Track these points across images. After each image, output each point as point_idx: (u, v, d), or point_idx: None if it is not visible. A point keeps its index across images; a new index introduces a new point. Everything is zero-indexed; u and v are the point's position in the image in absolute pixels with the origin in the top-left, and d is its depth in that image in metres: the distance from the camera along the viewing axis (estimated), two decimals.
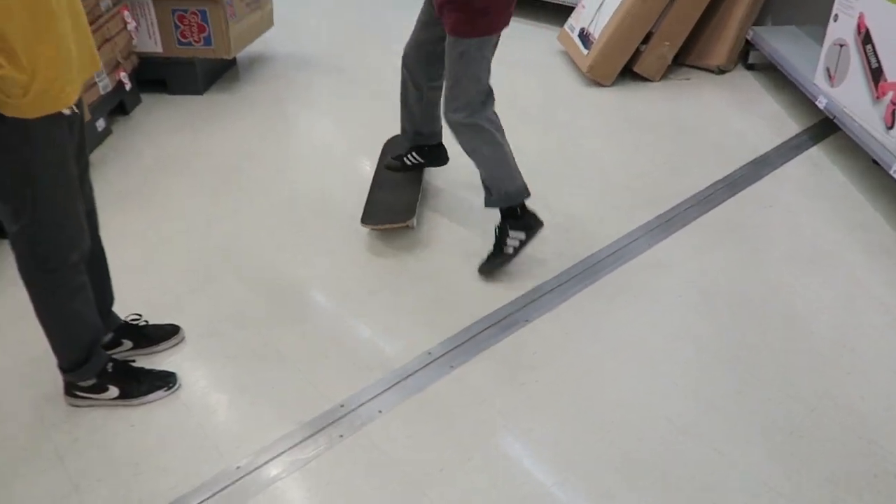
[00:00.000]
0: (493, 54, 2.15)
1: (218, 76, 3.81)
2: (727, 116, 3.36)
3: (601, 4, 3.76)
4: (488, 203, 2.27)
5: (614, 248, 2.38)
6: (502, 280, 2.23)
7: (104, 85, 3.06)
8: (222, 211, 2.62)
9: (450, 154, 2.63)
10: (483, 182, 2.28)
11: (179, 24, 3.43)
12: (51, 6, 1.35)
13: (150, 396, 1.78)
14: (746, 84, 3.71)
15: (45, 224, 1.51)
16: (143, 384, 1.79)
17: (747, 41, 3.76)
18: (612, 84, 3.66)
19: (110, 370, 1.75)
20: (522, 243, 2.26)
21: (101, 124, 3.08)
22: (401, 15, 4.67)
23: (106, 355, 1.77)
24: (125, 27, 3.27)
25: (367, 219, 2.42)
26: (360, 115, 3.40)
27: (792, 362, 1.92)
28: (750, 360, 1.92)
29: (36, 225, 1.50)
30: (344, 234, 2.47)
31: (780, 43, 3.50)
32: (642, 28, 3.56)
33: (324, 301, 2.20)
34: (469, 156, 2.26)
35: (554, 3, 4.56)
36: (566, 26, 4.10)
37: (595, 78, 3.65)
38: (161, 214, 2.59)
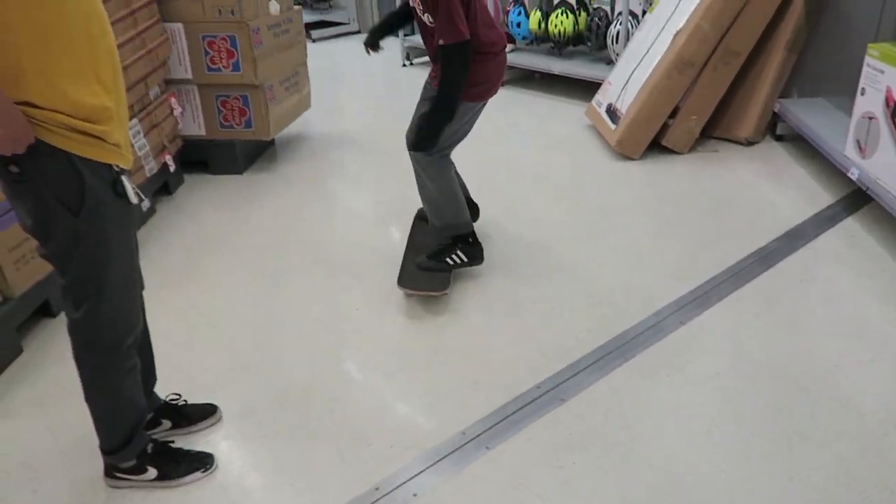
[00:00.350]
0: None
1: (257, 156, 3.96)
2: (758, 188, 3.37)
3: (627, 81, 3.86)
4: (434, 229, 2.57)
5: (649, 324, 2.36)
6: (536, 357, 2.22)
7: (150, 168, 3.20)
8: (260, 288, 2.68)
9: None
10: (427, 210, 2.57)
11: (222, 108, 3.60)
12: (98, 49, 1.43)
13: (188, 478, 1.78)
14: (776, 155, 3.73)
15: (108, 309, 1.56)
16: (181, 465, 1.80)
17: (774, 113, 3.81)
18: (641, 157, 3.72)
19: (150, 451, 1.77)
20: (462, 264, 2.53)
21: (145, 205, 3.21)
22: None
23: (147, 436, 1.79)
24: (171, 113, 3.45)
25: (404, 281, 2.48)
26: (393, 190, 3.49)
27: (844, 447, 1.84)
28: (799, 444, 1.86)
29: (101, 309, 1.55)
30: (378, 308, 2.50)
31: (808, 115, 3.53)
32: (668, 103, 3.64)
33: (360, 378, 2.21)
34: (420, 186, 2.53)
35: (581, 80, 4.70)
36: (593, 102, 4.20)
37: (623, 152, 3.71)
38: (201, 292, 2.66)
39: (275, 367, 2.23)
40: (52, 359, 2.25)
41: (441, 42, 2.18)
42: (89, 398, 1.67)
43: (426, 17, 2.25)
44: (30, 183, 1.41)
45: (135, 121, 3.09)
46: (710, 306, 2.45)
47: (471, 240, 2.55)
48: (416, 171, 2.52)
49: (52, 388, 2.14)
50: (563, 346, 2.27)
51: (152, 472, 1.77)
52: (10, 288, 2.22)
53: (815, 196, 3.24)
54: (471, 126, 2.48)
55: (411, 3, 2.35)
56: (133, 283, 1.62)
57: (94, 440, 1.75)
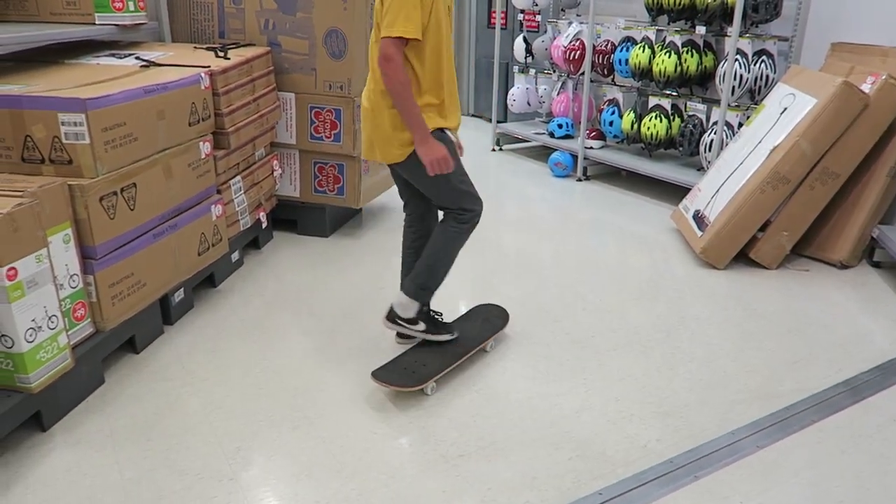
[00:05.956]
0: None
1: (344, 222, 4.11)
2: (851, 314, 3.21)
3: (718, 190, 3.82)
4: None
5: (721, 444, 2.24)
6: (600, 462, 2.14)
7: (245, 222, 3.37)
8: (334, 352, 2.72)
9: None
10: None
11: (318, 174, 3.79)
12: None
13: (442, 336, 2.60)
14: (872, 282, 3.57)
15: (467, 201, 2.45)
16: (439, 328, 2.59)
17: (873, 238, 3.66)
18: (726, 268, 3.63)
19: (425, 311, 2.56)
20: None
21: (235, 256, 3.37)
22: (522, 182, 4.93)
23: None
24: (272, 173, 3.65)
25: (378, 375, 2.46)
26: (469, 269, 3.53)
27: None
28: None
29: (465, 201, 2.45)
30: (443, 384, 2.49)
31: None
32: (759, 217, 3.57)
33: (409, 459, 2.18)
34: None
35: (669, 183, 4.69)
36: (681, 206, 4.17)
37: (708, 260, 3.64)
38: (271, 349, 2.72)
39: (323, 433, 2.24)
40: (129, 394, 2.33)
41: None
42: (442, 250, 2.47)
43: None
44: None
45: (238, 178, 3.28)
46: (791, 433, 2.31)
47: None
48: None
49: (125, 421, 2.21)
50: (630, 453, 2.18)
51: (421, 326, 2.55)
52: (103, 321, 2.35)
53: None
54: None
55: None
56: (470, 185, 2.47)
57: (156, 478, 1.78)
